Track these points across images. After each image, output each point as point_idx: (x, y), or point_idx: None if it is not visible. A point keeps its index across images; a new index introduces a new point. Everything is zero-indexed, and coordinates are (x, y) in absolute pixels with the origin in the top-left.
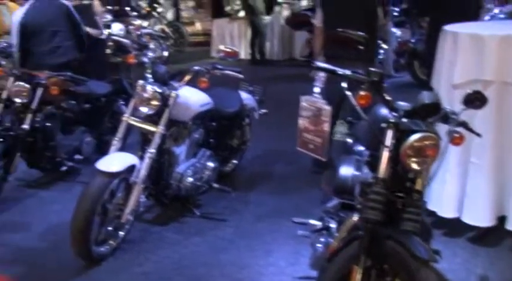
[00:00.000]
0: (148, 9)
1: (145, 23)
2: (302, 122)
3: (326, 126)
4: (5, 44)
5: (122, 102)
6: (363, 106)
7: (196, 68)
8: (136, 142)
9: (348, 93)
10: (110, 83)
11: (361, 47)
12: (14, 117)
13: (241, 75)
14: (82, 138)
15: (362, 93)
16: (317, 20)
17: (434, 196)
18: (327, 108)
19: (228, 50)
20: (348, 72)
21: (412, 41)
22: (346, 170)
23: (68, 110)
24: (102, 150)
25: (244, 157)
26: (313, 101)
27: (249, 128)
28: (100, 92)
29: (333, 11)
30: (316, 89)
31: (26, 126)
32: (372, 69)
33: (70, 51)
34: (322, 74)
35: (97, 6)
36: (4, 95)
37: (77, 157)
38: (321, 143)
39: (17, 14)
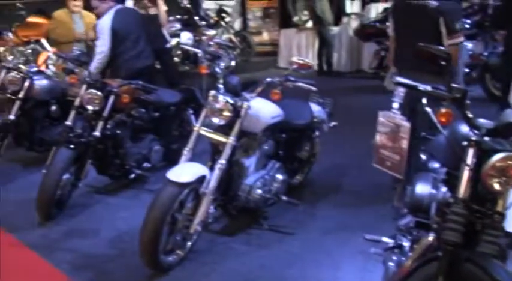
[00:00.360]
0: (216, 18)
1: (213, 32)
2: (379, 138)
3: (404, 144)
4: (78, 52)
5: (190, 112)
6: (444, 124)
7: (268, 79)
8: (202, 151)
9: (428, 109)
10: (180, 92)
11: (443, 63)
12: (86, 124)
13: (314, 88)
14: (151, 146)
15: (443, 110)
16: (390, 29)
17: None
18: (406, 124)
19: (301, 62)
20: (428, 88)
21: (485, 54)
22: (422, 188)
23: (138, 118)
24: (170, 158)
25: (312, 169)
26: (392, 116)
27: (318, 141)
28: (170, 101)
29: (402, 21)
30: (395, 105)
31: (97, 133)
32: (455, 85)
33: (150, 56)
34: (401, 89)
35: (163, 16)
36: (77, 102)
37: (145, 164)
38: (398, 160)
39: (104, 20)
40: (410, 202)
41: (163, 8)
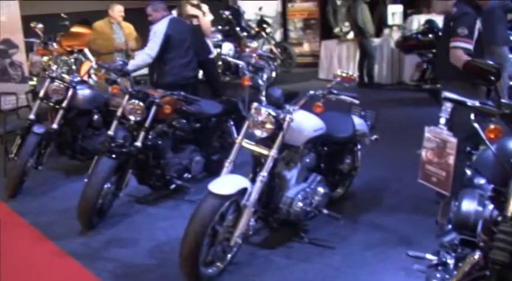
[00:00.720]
0: (257, 29)
1: (256, 44)
2: (425, 154)
3: (451, 159)
4: (120, 62)
5: (231, 123)
6: (493, 140)
7: (311, 92)
8: (243, 163)
9: (476, 125)
10: (221, 104)
11: (492, 78)
12: (128, 134)
13: (357, 101)
14: (191, 157)
15: (492, 126)
16: None
17: None
18: (453, 140)
19: (344, 74)
20: (477, 103)
21: None
22: (468, 205)
23: (179, 129)
24: (210, 169)
25: (354, 182)
26: (438, 132)
27: (360, 154)
28: (211, 112)
29: (445, 33)
30: (442, 120)
31: (138, 143)
32: (504, 101)
33: (196, 67)
34: (448, 105)
35: (207, 26)
36: (119, 112)
37: (186, 175)
38: (445, 176)
39: (159, 26)
40: (455, 218)
41: (209, 17)
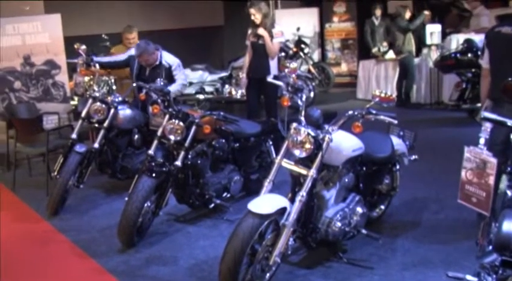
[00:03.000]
0: (295, 49)
1: (295, 64)
2: (465, 174)
3: (491, 180)
4: (162, 83)
5: (270, 143)
6: None
7: (350, 112)
8: (282, 182)
9: None
10: (260, 123)
11: None
12: (168, 153)
13: (395, 121)
14: (230, 176)
15: None
16: (484, 61)
17: None
18: (493, 160)
19: (383, 95)
20: None
21: None
22: (509, 226)
23: (218, 148)
24: (249, 189)
25: (392, 203)
26: (478, 152)
27: (398, 174)
28: (250, 132)
29: (501, 52)
30: (482, 140)
31: (178, 163)
32: None
33: None
34: (488, 125)
35: (271, 49)
36: (159, 132)
37: (225, 194)
38: (485, 197)
39: (172, 57)
40: (496, 239)
41: (278, 39)
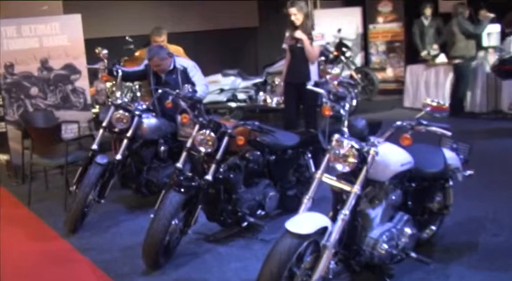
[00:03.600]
0: (336, 53)
1: (337, 70)
2: None
3: None
4: (190, 90)
5: (309, 156)
6: None
7: (398, 123)
8: (321, 199)
9: None
10: (299, 135)
11: None
12: (198, 167)
13: (449, 133)
14: (265, 192)
15: None
16: None
17: None
18: None
19: (435, 103)
20: None
21: None
22: None
23: (253, 161)
24: (286, 206)
25: (445, 223)
26: None
27: (451, 191)
28: (287, 144)
29: None
30: None
31: (209, 177)
32: None
33: None
34: None
35: (311, 52)
36: (188, 143)
37: (259, 212)
38: None
39: (187, 61)
40: None
41: (318, 42)
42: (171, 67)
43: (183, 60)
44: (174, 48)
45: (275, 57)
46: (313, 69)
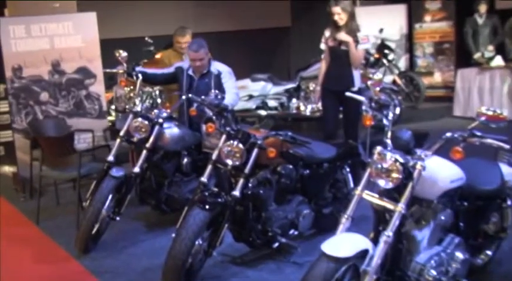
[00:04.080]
0: (377, 55)
1: (380, 76)
2: None
3: None
4: (217, 96)
5: (347, 170)
6: None
7: (448, 134)
8: (361, 218)
9: None
10: (336, 146)
11: None
12: (224, 181)
13: (507, 146)
14: (298, 210)
15: None
16: None
17: None
18: None
19: (490, 113)
20: None
21: None
22: None
23: (285, 176)
24: (321, 225)
25: (502, 247)
26: None
27: (509, 212)
28: (323, 157)
29: None
30: None
31: (236, 193)
32: None
33: None
34: None
35: (355, 56)
36: (214, 155)
37: (292, 232)
38: None
39: (223, 66)
40: None
41: (363, 46)
42: (206, 70)
43: (219, 65)
44: None
45: (309, 60)
46: (357, 75)
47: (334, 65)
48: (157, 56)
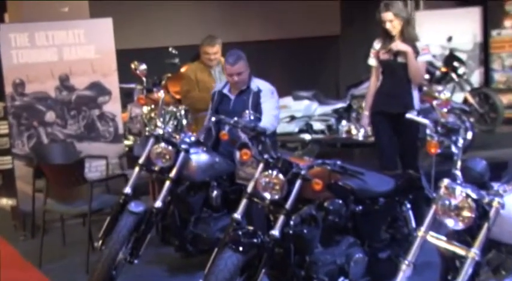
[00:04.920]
0: (445, 69)
1: (447, 94)
2: None
3: None
4: (252, 118)
5: (408, 206)
6: None
7: None
8: (425, 264)
9: None
10: (395, 178)
11: None
12: (261, 219)
13: None
14: (349, 253)
15: None
16: None
17: None
18: None
19: None
20: None
21: None
22: None
23: (333, 212)
24: (376, 272)
25: None
26: None
27: None
28: (379, 190)
29: None
30: None
31: (275, 232)
32: None
33: None
34: None
35: (415, 69)
36: (250, 187)
37: (341, 279)
38: None
39: (265, 84)
40: None
41: (424, 57)
42: (245, 86)
43: (260, 82)
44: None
45: (361, 75)
46: (416, 94)
47: (389, 82)
48: (183, 69)
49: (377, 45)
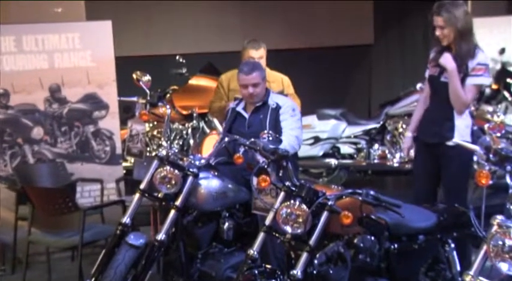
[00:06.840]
0: (496, 86)
1: (501, 117)
2: None
3: None
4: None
5: (452, 246)
6: None
7: None
8: None
9: None
10: (437, 212)
11: None
12: (281, 255)
13: None
14: None
15: None
16: None
17: None
18: None
19: None
20: None
21: None
22: None
23: (364, 250)
24: None
25: None
26: None
27: None
28: (418, 226)
29: None
30: None
31: (297, 272)
32: None
33: None
34: None
35: (456, 93)
36: (268, 219)
37: None
38: None
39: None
40: None
41: (479, 80)
42: (262, 102)
43: (279, 97)
44: (275, 77)
45: (398, 91)
46: (462, 123)
47: (432, 104)
48: (192, 81)
49: (432, 53)
